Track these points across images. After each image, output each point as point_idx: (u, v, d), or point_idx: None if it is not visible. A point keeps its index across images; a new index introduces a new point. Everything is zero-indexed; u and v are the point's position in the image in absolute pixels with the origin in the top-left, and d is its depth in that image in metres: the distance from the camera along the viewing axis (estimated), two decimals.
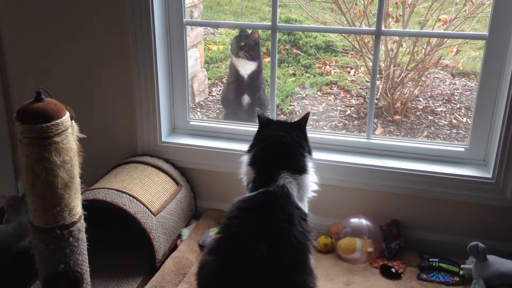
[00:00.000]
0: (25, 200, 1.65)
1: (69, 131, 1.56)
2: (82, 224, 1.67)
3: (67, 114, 1.56)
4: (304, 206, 1.75)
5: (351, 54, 4.09)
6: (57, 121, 1.51)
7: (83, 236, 1.68)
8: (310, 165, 1.82)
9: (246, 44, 3.11)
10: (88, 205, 1.74)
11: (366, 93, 3.71)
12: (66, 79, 2.47)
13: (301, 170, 1.77)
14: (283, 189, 1.68)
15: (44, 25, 2.42)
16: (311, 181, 1.80)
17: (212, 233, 2.23)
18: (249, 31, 3.19)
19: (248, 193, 1.75)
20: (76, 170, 1.60)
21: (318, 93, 3.84)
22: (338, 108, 3.67)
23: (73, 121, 1.61)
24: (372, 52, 2.36)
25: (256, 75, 3.19)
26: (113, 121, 2.49)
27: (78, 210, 1.64)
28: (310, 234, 1.66)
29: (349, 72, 4.03)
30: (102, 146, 2.49)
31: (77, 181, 1.61)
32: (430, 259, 2.12)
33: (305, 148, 1.83)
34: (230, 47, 3.31)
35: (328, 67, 4.07)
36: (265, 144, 1.82)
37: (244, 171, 1.83)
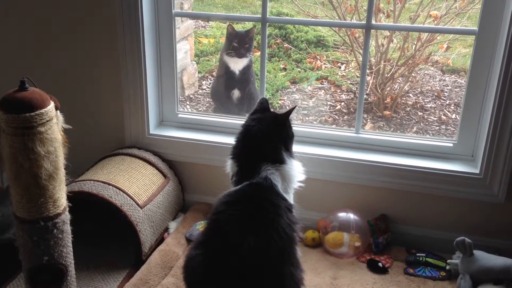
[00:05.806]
0: (9, 191, 1.62)
1: (54, 121, 1.54)
2: (66, 216, 1.65)
3: (52, 104, 1.54)
4: (290, 197, 1.73)
5: (342, 49, 4.08)
6: (41, 111, 1.49)
7: (67, 228, 1.66)
8: (288, 154, 1.76)
9: (241, 43, 3.06)
10: (74, 197, 1.72)
11: (357, 88, 3.71)
12: (53, 70, 2.44)
13: (282, 160, 1.73)
14: (267, 181, 1.66)
15: (30, 13, 2.38)
16: (296, 170, 1.77)
17: (200, 226, 2.22)
18: (245, 29, 3.13)
19: (233, 186, 1.73)
20: (61, 161, 1.58)
21: (309, 87, 3.83)
22: (328, 103, 3.66)
23: (58, 111, 1.58)
24: (363, 47, 2.35)
25: (246, 69, 3.16)
26: (101, 113, 2.47)
27: (62, 201, 1.62)
28: (297, 226, 1.64)
29: (340, 67, 4.03)
30: (89, 138, 2.47)
31: (62, 172, 1.59)
32: (417, 254, 2.12)
33: (282, 140, 1.77)
34: (223, 46, 3.20)
35: (319, 61, 4.06)
36: (239, 136, 1.80)
37: (228, 165, 1.82)
